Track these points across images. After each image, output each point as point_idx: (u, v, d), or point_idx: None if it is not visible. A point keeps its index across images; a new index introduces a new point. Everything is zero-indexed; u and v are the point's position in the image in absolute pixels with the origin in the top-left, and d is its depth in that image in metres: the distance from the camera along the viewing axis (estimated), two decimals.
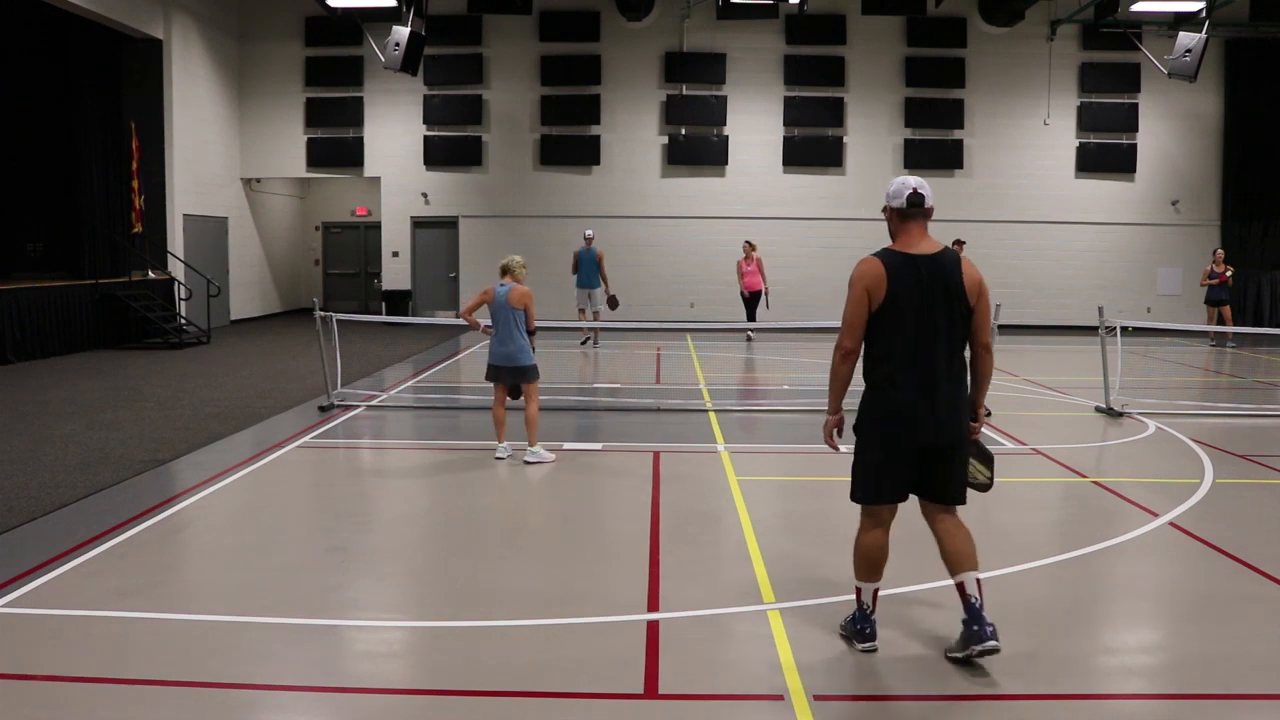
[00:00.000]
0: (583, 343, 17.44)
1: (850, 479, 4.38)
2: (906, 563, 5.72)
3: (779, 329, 19.17)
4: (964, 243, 17.61)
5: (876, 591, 4.41)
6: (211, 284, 19.38)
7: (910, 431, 4.17)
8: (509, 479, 7.74)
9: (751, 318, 17.31)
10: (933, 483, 4.28)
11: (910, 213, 4.20)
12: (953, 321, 4.16)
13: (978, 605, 4.13)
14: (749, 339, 18.19)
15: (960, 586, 4.20)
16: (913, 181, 4.21)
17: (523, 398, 8.27)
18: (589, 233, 17.50)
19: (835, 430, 4.48)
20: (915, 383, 4.15)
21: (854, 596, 4.45)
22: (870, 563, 4.37)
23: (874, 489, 4.31)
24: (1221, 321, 17.72)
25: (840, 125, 22.30)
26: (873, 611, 4.39)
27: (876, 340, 4.20)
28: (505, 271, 8.27)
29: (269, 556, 5.87)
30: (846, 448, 4.46)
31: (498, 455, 8.19)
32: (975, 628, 4.10)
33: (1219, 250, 18.69)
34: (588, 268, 16.82)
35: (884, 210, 4.29)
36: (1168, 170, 22.44)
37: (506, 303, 8.11)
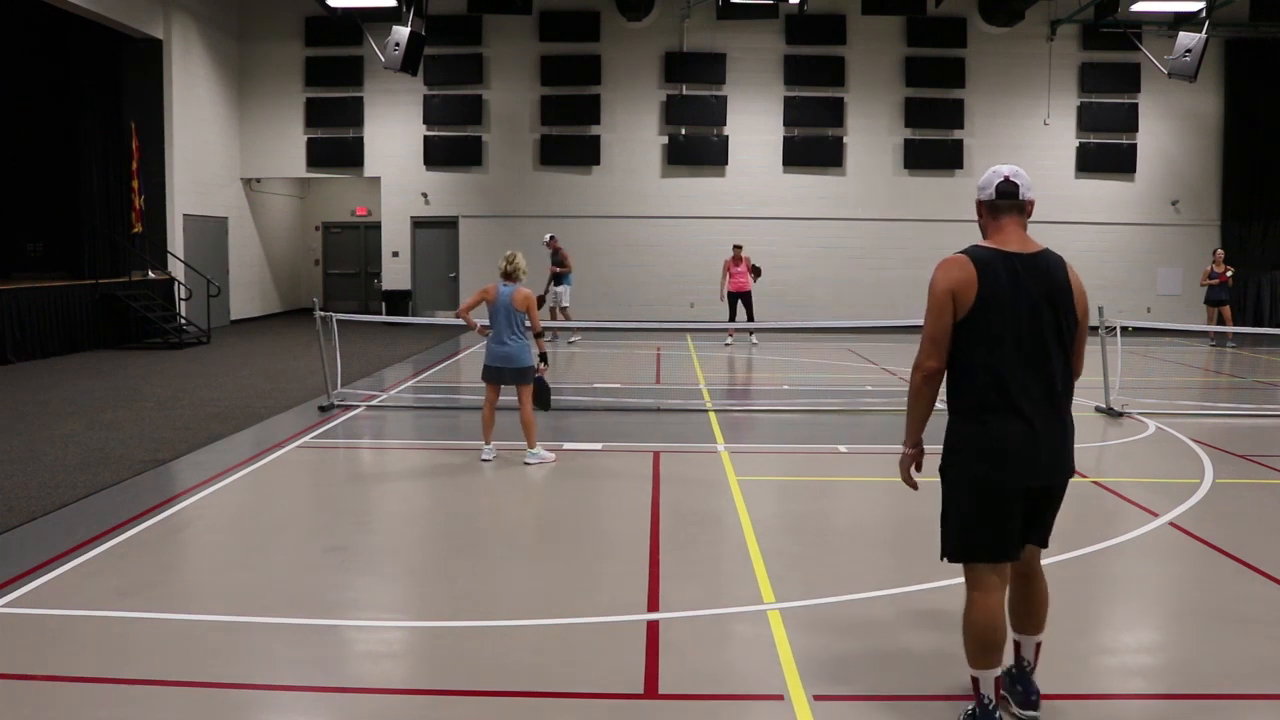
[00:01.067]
0: (570, 341, 17.61)
1: (940, 532, 3.69)
2: (906, 561, 5.72)
3: (779, 329, 19.16)
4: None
5: (999, 680, 3.58)
6: (211, 284, 19.38)
7: (1015, 469, 3.44)
8: (509, 479, 7.74)
9: (751, 317, 17.28)
10: (1039, 524, 3.63)
11: (1001, 205, 3.58)
12: (1060, 333, 3.48)
13: (1030, 669, 3.72)
14: (729, 342, 17.85)
15: (1018, 645, 3.72)
16: (1005, 170, 3.60)
17: (518, 400, 8.21)
18: (550, 235, 17.52)
19: (914, 466, 3.83)
20: (1018, 408, 3.43)
21: (970, 686, 3.60)
22: (983, 643, 3.50)
23: (970, 544, 3.54)
24: (1221, 321, 17.71)
25: (840, 125, 22.29)
26: (996, 706, 3.53)
27: (966, 355, 3.49)
28: (509, 274, 8.17)
29: (269, 556, 5.87)
30: (926, 479, 3.85)
31: (483, 457, 8.17)
32: (1020, 689, 3.70)
33: (1219, 250, 18.68)
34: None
35: (976, 206, 3.70)
36: (1168, 170, 22.44)
37: (510, 304, 8.06)
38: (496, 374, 8.19)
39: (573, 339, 17.79)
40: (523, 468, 7.99)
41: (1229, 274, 17.94)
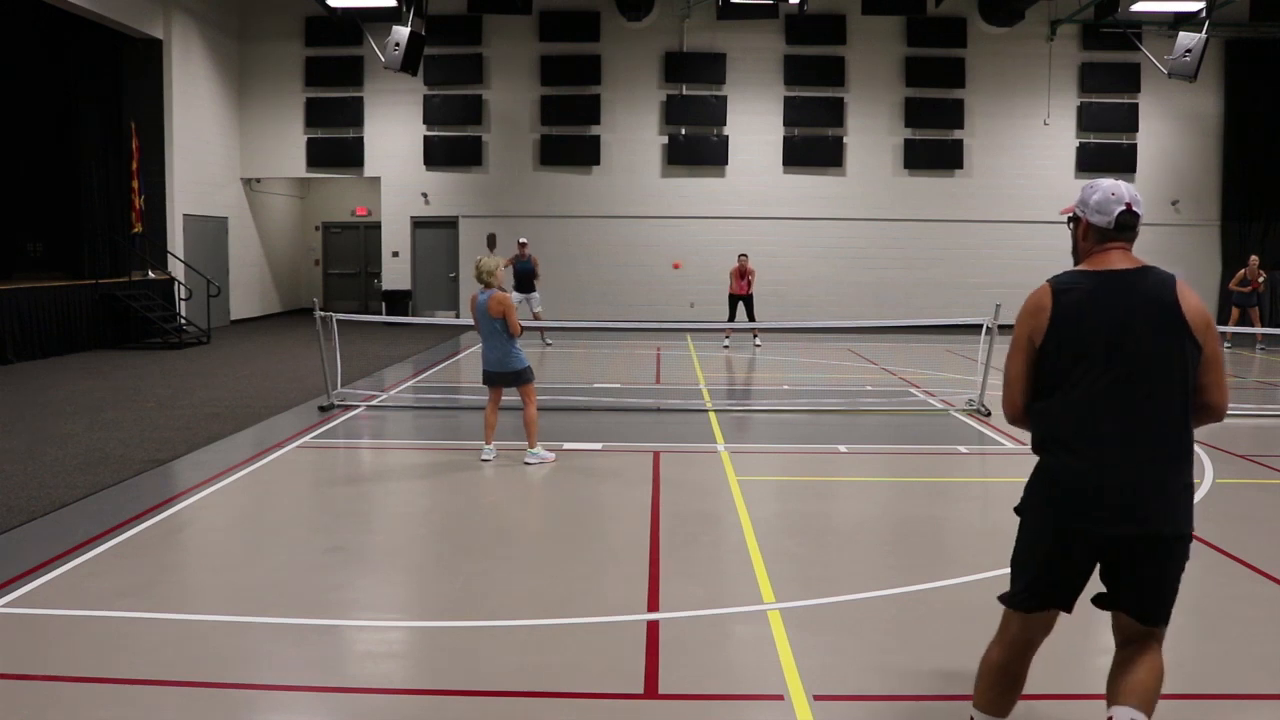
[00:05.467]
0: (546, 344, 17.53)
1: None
2: (906, 561, 5.72)
3: (779, 329, 19.17)
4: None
5: None
6: (211, 284, 19.39)
7: (1063, 512, 3.02)
8: (509, 479, 7.74)
9: (751, 317, 17.26)
10: (1127, 588, 3.11)
11: (1114, 235, 3.11)
12: (1168, 364, 2.97)
13: None
14: (727, 344, 17.63)
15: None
16: (1125, 193, 3.09)
17: (522, 400, 8.23)
18: (523, 239, 17.29)
19: None
20: (1080, 445, 3.00)
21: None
22: (989, 684, 3.24)
23: (1015, 588, 3.22)
24: (1245, 322, 17.61)
25: (840, 125, 22.30)
26: None
27: (1041, 385, 3.10)
28: (483, 281, 8.08)
29: (269, 556, 5.87)
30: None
31: (483, 457, 8.17)
32: None
33: (1254, 257, 18.11)
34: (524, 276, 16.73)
35: (1070, 220, 3.23)
36: (1168, 170, 22.44)
37: (487, 312, 8.05)
38: (493, 378, 8.22)
39: (549, 342, 17.73)
40: (523, 468, 7.99)
41: (1261, 280, 17.85)
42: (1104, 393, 2.98)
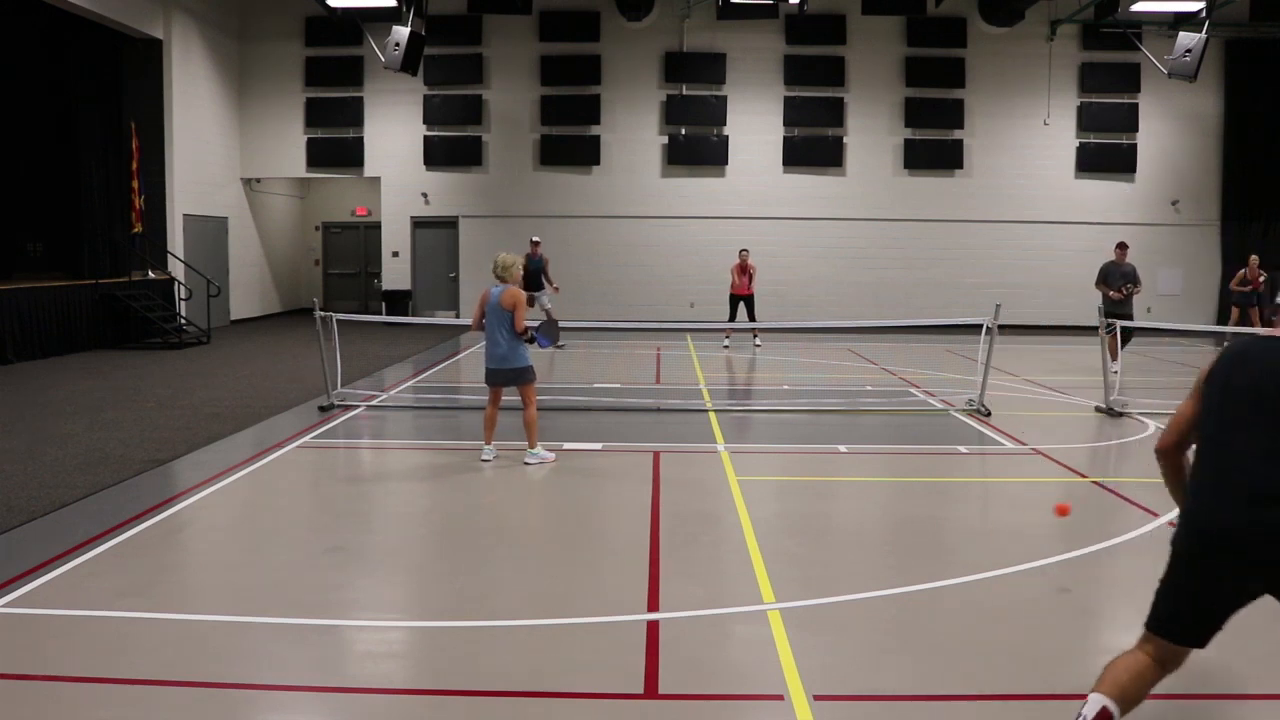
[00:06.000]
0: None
1: None
2: (906, 561, 5.73)
3: (779, 329, 19.17)
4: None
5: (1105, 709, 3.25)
6: (211, 284, 19.39)
7: (1210, 556, 3.17)
8: (509, 479, 7.74)
9: (752, 317, 17.24)
10: None
11: None
12: None
13: None
14: (727, 344, 17.55)
15: None
16: None
17: (522, 400, 8.22)
18: (536, 238, 17.17)
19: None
20: (1224, 486, 3.16)
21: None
22: (1114, 677, 3.29)
23: (1154, 612, 3.36)
24: (1245, 322, 17.57)
25: (840, 125, 22.30)
26: None
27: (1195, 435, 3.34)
28: (500, 276, 8.11)
29: (269, 556, 5.87)
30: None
31: (483, 457, 8.17)
32: None
33: (1254, 257, 18.16)
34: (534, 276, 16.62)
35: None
36: (1168, 170, 22.44)
37: (498, 305, 8.06)
38: (494, 376, 8.19)
39: (561, 344, 17.58)
40: (523, 468, 7.99)
41: (1262, 279, 17.82)
42: (1235, 436, 3.21)
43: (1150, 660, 3.30)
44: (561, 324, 16.61)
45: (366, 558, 5.87)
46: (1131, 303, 13.91)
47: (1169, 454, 3.47)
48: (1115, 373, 13.45)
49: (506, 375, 8.14)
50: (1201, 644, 3.29)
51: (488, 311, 8.10)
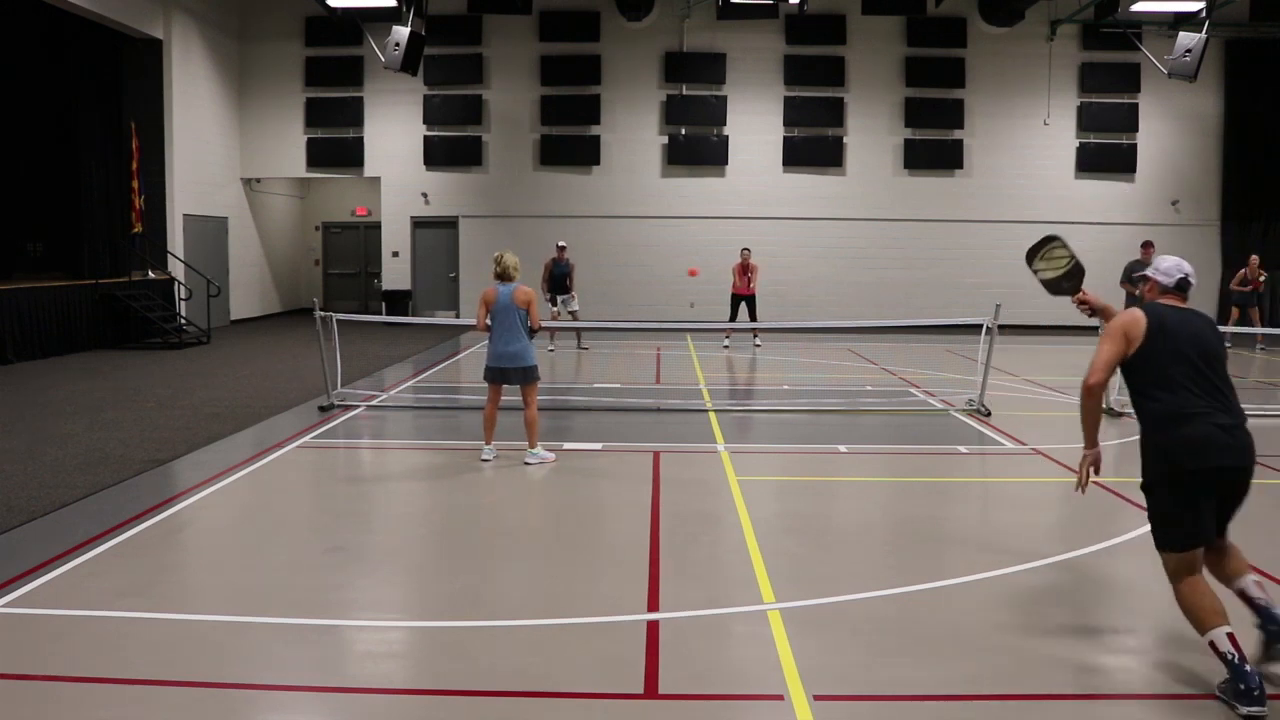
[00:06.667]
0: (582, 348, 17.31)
1: None
2: (906, 561, 5.73)
3: (779, 329, 19.17)
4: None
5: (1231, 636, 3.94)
6: (211, 284, 19.39)
7: (1211, 473, 4.21)
8: (509, 479, 7.74)
9: (753, 317, 17.21)
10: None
11: (1173, 293, 4.41)
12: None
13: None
14: (727, 344, 17.53)
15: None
16: (1189, 268, 4.43)
17: (523, 400, 8.21)
18: (562, 243, 16.90)
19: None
20: (1206, 420, 4.19)
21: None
22: (1210, 609, 4.08)
23: (1182, 534, 4.23)
24: (1246, 322, 17.58)
25: (840, 125, 22.30)
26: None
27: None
28: (504, 275, 8.12)
29: (269, 556, 5.87)
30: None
31: (483, 457, 8.16)
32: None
33: (1254, 257, 18.02)
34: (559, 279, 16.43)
35: (1142, 278, 4.70)
36: (1168, 170, 22.45)
37: (512, 302, 8.03)
38: (501, 374, 8.14)
39: (585, 345, 17.42)
40: (523, 468, 7.99)
41: (1262, 279, 17.82)
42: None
43: (1200, 575, 4.10)
44: (561, 324, 16.73)
45: (366, 558, 5.87)
46: None
47: (1098, 391, 4.22)
48: None
49: (514, 374, 8.10)
50: (1215, 538, 4.21)
51: (497, 310, 8.07)
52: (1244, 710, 3.71)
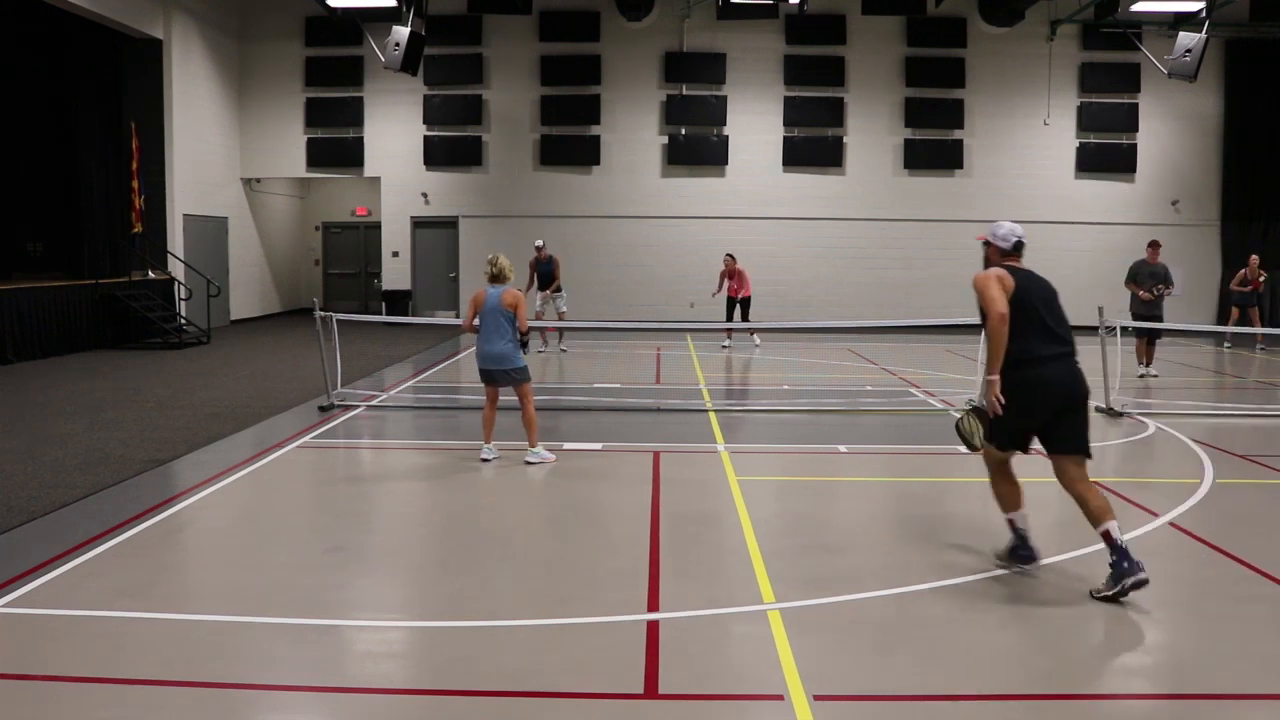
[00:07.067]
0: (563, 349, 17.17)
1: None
2: (906, 561, 5.72)
3: (779, 329, 19.17)
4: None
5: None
6: (211, 284, 19.39)
7: (1049, 394, 5.20)
8: (509, 479, 7.74)
9: (746, 318, 17.20)
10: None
11: (1012, 254, 5.30)
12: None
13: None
14: (727, 345, 17.43)
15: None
16: (1020, 230, 5.31)
17: (519, 400, 8.22)
18: (539, 241, 16.53)
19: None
20: (1032, 350, 5.15)
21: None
22: (1010, 498, 5.59)
23: (1003, 436, 5.37)
24: (1245, 322, 17.55)
25: (840, 125, 22.30)
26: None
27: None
28: (496, 277, 8.15)
29: (269, 556, 5.87)
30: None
31: (483, 457, 8.17)
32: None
33: (1254, 257, 17.97)
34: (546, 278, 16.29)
35: (986, 244, 5.35)
36: (1168, 170, 22.44)
37: (499, 305, 8.06)
38: (488, 375, 8.19)
39: (564, 348, 17.29)
40: (523, 468, 7.99)
41: (1262, 279, 17.81)
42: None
43: (1010, 471, 5.45)
44: (562, 324, 16.73)
45: (366, 558, 5.86)
46: (1161, 304, 13.34)
47: (1009, 317, 4.98)
48: (1147, 375, 13.42)
49: (500, 375, 8.13)
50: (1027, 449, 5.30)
51: (485, 312, 8.11)
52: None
